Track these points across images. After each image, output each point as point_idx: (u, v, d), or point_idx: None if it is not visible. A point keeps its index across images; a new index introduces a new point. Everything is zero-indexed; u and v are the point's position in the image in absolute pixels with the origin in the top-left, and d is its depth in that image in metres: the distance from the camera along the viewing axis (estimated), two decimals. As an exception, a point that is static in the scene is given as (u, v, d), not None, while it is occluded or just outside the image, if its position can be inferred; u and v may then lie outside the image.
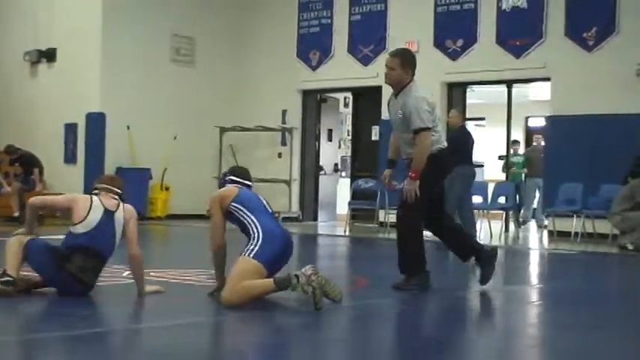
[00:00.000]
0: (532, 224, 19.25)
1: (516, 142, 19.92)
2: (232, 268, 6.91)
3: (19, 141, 17.68)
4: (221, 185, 7.60)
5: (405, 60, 8.10)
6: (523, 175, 19.40)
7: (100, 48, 18.18)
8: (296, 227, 17.83)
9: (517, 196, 18.10)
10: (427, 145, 7.87)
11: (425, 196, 7.99)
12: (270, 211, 7.35)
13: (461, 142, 14.48)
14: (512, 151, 18.96)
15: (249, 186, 7.52)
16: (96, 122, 18.04)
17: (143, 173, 18.27)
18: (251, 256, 6.85)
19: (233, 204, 7.17)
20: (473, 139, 14.51)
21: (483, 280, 8.22)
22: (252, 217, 7.08)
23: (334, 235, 16.42)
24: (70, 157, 18.58)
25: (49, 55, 19.10)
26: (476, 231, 14.27)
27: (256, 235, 6.97)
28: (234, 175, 7.55)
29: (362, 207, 17.37)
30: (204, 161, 19.49)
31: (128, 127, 18.20)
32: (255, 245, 6.90)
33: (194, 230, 16.70)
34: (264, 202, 7.38)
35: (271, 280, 6.78)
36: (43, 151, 17.77)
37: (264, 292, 6.83)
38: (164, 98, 18.91)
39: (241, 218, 7.12)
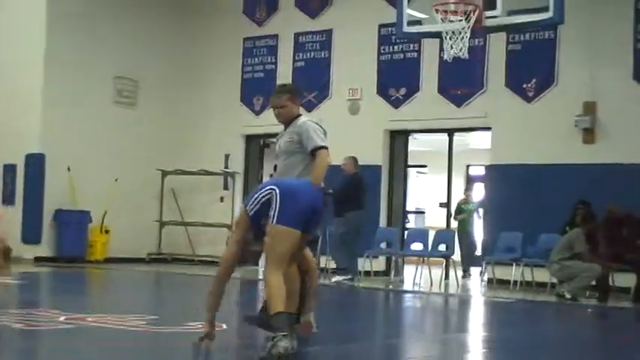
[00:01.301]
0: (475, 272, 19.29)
1: (469, 188, 19.81)
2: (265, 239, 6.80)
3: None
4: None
5: (294, 94, 7.95)
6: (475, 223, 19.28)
7: (41, 88, 18.04)
8: (237, 272, 17.71)
9: (462, 244, 18.24)
10: (327, 163, 7.60)
11: None
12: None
13: (354, 188, 14.91)
14: (464, 198, 19.10)
15: None
16: (35, 163, 17.88)
17: (83, 216, 18.10)
18: (274, 222, 6.73)
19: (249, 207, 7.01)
20: (364, 186, 14.94)
21: (252, 319, 7.77)
22: (266, 188, 6.94)
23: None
24: (8, 198, 18.34)
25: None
26: (356, 273, 15.35)
27: (275, 197, 6.80)
28: None
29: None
30: (145, 204, 19.37)
31: (69, 169, 18.04)
32: (275, 209, 6.75)
33: (133, 274, 16.55)
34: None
35: (281, 307, 6.55)
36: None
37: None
38: (106, 140, 18.80)
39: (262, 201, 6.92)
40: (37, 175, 17.95)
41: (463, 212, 18.88)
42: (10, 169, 18.34)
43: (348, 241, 15.28)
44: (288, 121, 7.86)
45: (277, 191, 6.83)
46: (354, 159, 15.81)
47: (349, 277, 15.40)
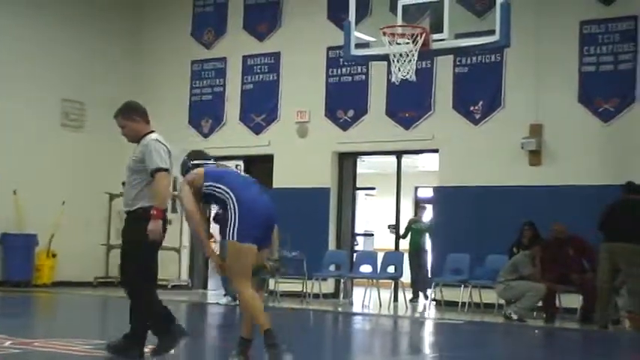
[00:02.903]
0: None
1: (422, 208, 19.66)
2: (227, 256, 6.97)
3: None
4: (185, 173, 7.49)
5: (127, 113, 7.90)
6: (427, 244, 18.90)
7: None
8: (185, 295, 17.65)
9: (413, 266, 18.25)
10: (166, 185, 7.59)
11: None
12: (245, 178, 7.44)
13: None
14: (415, 217, 19.04)
15: (212, 164, 7.50)
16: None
17: (29, 239, 17.91)
18: (235, 239, 6.91)
19: (206, 184, 7.14)
20: None
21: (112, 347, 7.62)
22: (228, 190, 7.08)
23: (223, 304, 16.21)
24: None
25: None
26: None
27: (234, 210, 6.98)
28: (196, 159, 7.54)
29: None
30: (92, 227, 19.18)
31: (14, 192, 17.86)
32: (234, 225, 6.93)
33: (81, 298, 16.39)
34: (237, 171, 7.38)
35: (267, 324, 6.78)
36: None
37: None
38: (53, 162, 18.64)
39: (218, 194, 7.11)
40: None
41: (413, 231, 18.61)
42: None
43: None
44: (135, 139, 7.84)
45: (235, 204, 6.96)
46: None
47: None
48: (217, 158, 20.57)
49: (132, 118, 7.82)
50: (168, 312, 7.62)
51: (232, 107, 19.07)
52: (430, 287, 17.02)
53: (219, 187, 7.13)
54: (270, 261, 7.42)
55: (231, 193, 7.06)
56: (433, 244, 17.49)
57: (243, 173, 7.46)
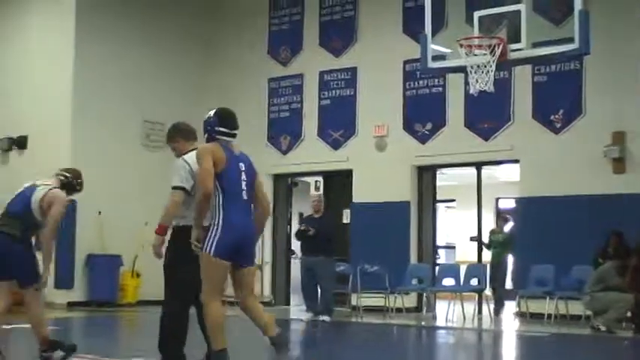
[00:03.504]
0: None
1: (502, 218, 18.93)
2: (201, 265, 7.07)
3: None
4: (206, 130, 7.40)
5: (171, 135, 8.17)
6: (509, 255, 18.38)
7: (70, 134, 18.18)
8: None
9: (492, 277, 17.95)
10: (175, 202, 7.68)
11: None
12: (245, 186, 7.22)
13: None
14: (495, 228, 18.52)
15: (235, 135, 7.42)
16: (67, 208, 17.90)
17: (114, 260, 18.16)
18: (211, 252, 6.98)
19: (217, 177, 7.09)
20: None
21: None
22: (221, 202, 7.08)
23: (307, 320, 16.20)
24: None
25: (20, 143, 19.08)
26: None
27: (216, 225, 7.04)
28: (223, 126, 7.37)
29: (335, 291, 17.24)
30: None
31: (99, 213, 18.13)
32: (214, 238, 7.00)
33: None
34: (244, 174, 7.24)
35: (221, 345, 7.07)
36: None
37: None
38: (135, 184, 18.88)
39: (213, 196, 7.09)
40: (68, 221, 17.96)
41: (492, 242, 18.34)
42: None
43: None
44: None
45: (221, 219, 7.04)
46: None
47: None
48: (296, 174, 20.79)
49: (175, 140, 8.13)
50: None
51: (310, 123, 19.13)
52: (512, 299, 16.81)
53: (218, 192, 7.11)
54: None
55: (221, 208, 7.07)
56: (516, 256, 17.27)
57: (243, 175, 7.25)
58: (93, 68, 18.60)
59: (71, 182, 8.85)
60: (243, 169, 7.26)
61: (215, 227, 7.03)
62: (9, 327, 9.06)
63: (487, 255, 18.06)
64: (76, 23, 18.50)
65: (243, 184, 7.20)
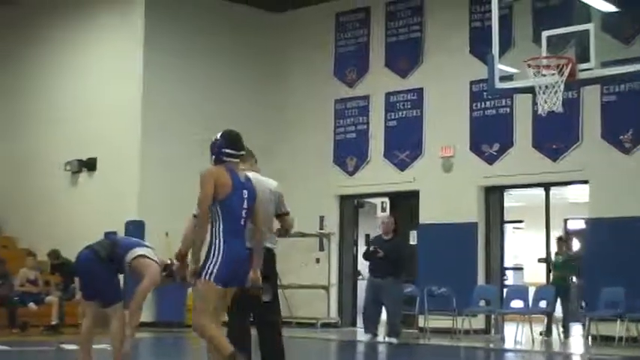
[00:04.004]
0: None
1: (561, 239, 18.39)
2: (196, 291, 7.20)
3: (60, 249, 17.76)
4: (213, 152, 7.59)
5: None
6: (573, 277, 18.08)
7: (138, 156, 18.41)
8: (334, 333, 17.71)
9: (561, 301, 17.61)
10: (186, 227, 7.98)
11: None
12: (245, 214, 7.28)
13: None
14: (563, 249, 18.00)
15: (240, 157, 7.55)
16: (135, 230, 18.11)
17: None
18: (211, 279, 7.04)
19: (220, 203, 7.18)
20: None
21: None
22: (221, 228, 7.15)
23: (374, 341, 16.15)
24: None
25: (90, 165, 19.36)
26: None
27: (216, 251, 7.09)
28: (230, 148, 7.53)
29: (402, 312, 17.16)
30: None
31: (167, 234, 18.26)
32: (214, 265, 7.04)
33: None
34: (245, 202, 7.27)
35: (229, 349, 6.98)
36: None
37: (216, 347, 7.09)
38: (202, 205, 18.99)
39: (213, 221, 7.18)
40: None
41: (554, 264, 17.99)
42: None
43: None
44: None
45: (221, 246, 7.10)
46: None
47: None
48: (363, 196, 20.76)
49: (244, 162, 8.06)
50: None
51: (376, 144, 19.11)
52: (579, 322, 16.58)
53: (220, 219, 7.19)
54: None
55: (220, 235, 7.14)
56: (585, 278, 17.01)
57: (244, 203, 7.29)
58: (161, 91, 18.82)
59: (172, 270, 8.90)
60: (246, 196, 7.32)
61: (215, 254, 7.09)
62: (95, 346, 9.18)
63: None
64: (144, 47, 18.75)
65: (243, 212, 7.28)
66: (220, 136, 7.60)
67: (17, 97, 21.24)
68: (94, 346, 9.02)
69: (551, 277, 17.68)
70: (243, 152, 7.57)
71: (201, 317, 7.09)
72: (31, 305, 16.78)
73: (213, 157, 7.55)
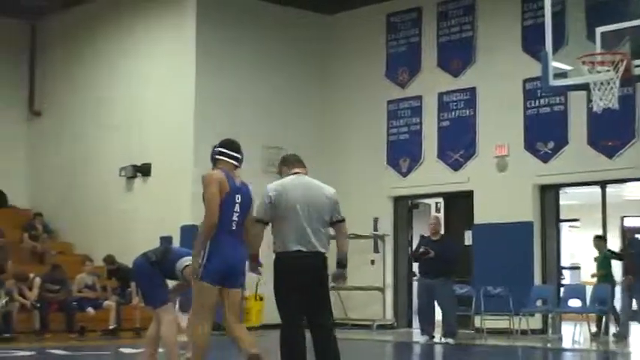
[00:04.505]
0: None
1: (599, 238, 17.73)
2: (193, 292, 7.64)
3: (116, 255, 17.92)
4: (212, 159, 8.01)
5: (278, 170, 8.51)
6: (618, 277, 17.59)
7: (192, 161, 18.49)
8: (390, 335, 17.67)
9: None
10: (252, 235, 7.90)
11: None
12: (237, 217, 7.68)
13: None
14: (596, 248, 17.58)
15: (238, 159, 7.94)
16: (190, 234, 18.16)
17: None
18: (200, 278, 7.51)
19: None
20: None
21: None
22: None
23: (431, 342, 16.08)
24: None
25: (144, 170, 19.53)
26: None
27: (206, 252, 7.52)
28: (224, 148, 7.98)
29: (457, 313, 17.06)
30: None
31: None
32: (204, 265, 7.50)
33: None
34: (237, 206, 7.71)
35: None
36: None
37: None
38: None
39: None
40: (191, 246, 18.23)
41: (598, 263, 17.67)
42: (166, 242, 18.70)
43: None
44: None
45: (209, 244, 7.51)
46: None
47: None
48: (417, 196, 20.71)
49: (280, 171, 8.41)
50: None
51: (429, 145, 19.04)
52: (636, 320, 16.34)
53: None
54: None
55: (216, 232, 7.53)
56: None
57: (237, 207, 7.74)
58: (213, 96, 18.93)
59: None
60: (239, 200, 7.72)
61: (204, 255, 7.51)
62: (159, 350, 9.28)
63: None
64: (196, 53, 18.88)
65: (235, 215, 7.66)
66: (218, 143, 8.04)
67: (72, 104, 21.49)
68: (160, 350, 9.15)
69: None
70: (237, 155, 7.95)
71: (195, 317, 7.63)
72: (89, 310, 16.95)
73: (212, 160, 8.01)
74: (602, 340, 16.09)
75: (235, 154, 7.92)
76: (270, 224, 7.91)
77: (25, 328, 16.31)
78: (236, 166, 7.96)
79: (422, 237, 16.80)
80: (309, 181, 8.05)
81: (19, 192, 22.13)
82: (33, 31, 22.66)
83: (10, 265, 17.35)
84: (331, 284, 8.13)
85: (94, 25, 21.11)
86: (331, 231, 8.06)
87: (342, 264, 7.98)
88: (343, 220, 8.07)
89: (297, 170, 8.14)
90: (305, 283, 7.82)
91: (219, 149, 7.90)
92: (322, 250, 7.89)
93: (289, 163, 8.29)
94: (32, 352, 13.67)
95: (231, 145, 8.00)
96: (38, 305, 16.51)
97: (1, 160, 21.93)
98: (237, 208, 7.67)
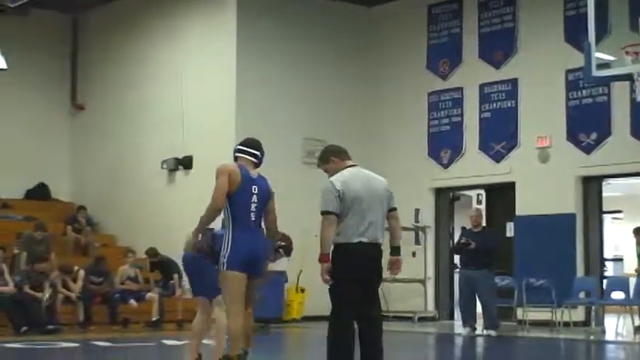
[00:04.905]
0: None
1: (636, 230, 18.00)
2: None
3: (158, 247, 18.04)
4: (234, 157, 8.32)
5: (324, 157, 8.35)
6: None
7: (233, 154, 18.51)
8: (432, 327, 17.64)
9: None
10: (323, 227, 7.85)
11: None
12: (255, 209, 8.00)
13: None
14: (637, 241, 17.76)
15: (256, 156, 8.26)
16: (231, 227, 18.31)
17: (279, 276, 18.35)
18: (225, 268, 7.78)
19: (229, 198, 7.91)
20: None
21: None
22: (231, 221, 7.94)
23: (473, 334, 16.03)
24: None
25: (186, 163, 19.63)
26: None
27: (226, 243, 7.85)
28: (243, 145, 8.33)
29: (499, 305, 16.98)
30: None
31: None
32: (225, 256, 7.81)
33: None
34: (255, 197, 8.01)
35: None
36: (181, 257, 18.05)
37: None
38: (297, 200, 19.04)
39: (225, 216, 7.95)
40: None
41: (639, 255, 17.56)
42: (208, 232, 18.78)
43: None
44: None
45: (230, 234, 7.85)
46: None
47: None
48: (458, 188, 20.67)
49: (328, 160, 8.29)
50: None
51: (471, 136, 18.96)
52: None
53: (229, 210, 7.95)
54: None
55: (230, 228, 7.88)
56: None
57: (254, 198, 8.04)
58: (254, 89, 18.98)
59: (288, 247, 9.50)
60: (256, 191, 7.99)
61: (226, 246, 7.84)
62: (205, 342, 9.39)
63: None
64: (237, 46, 18.94)
65: (253, 206, 7.96)
66: (240, 142, 8.40)
67: (115, 98, 21.64)
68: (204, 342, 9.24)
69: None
70: (256, 152, 8.30)
71: (229, 306, 7.80)
72: (132, 302, 17.08)
73: (233, 158, 8.33)
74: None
75: (254, 151, 8.22)
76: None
77: (68, 320, 16.50)
78: (255, 163, 8.26)
79: (463, 229, 16.77)
80: (367, 174, 8.09)
81: (62, 185, 22.38)
82: (75, 25, 22.86)
83: (54, 258, 17.51)
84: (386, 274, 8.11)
85: (134, 18, 21.26)
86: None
87: (398, 251, 8.08)
88: (396, 209, 8.09)
89: (351, 162, 8.16)
90: (364, 274, 7.89)
91: (239, 147, 8.28)
92: (380, 241, 7.95)
93: (341, 154, 8.28)
94: (76, 344, 13.82)
95: (250, 143, 8.35)
96: (82, 297, 16.68)
97: (45, 153, 22.17)
98: (254, 198, 7.96)
